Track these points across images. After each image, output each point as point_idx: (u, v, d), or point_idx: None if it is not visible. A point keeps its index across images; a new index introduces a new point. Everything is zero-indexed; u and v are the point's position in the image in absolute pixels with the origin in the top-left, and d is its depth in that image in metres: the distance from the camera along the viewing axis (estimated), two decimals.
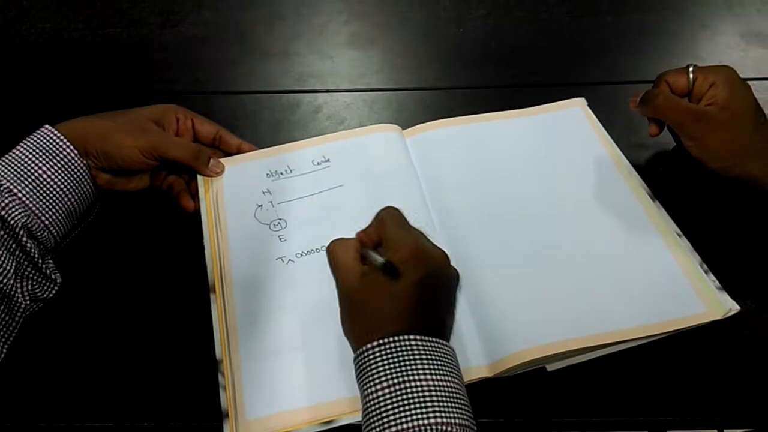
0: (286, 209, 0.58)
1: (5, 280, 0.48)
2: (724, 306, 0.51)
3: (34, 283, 0.52)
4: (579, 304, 0.51)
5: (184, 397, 0.49)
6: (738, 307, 0.51)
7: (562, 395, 0.49)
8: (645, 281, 0.53)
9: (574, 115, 0.66)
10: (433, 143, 0.63)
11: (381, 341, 0.42)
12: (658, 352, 0.50)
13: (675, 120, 0.55)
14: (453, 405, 0.40)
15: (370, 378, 0.41)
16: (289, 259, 0.55)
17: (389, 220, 0.47)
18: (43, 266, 0.52)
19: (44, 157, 0.52)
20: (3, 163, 0.52)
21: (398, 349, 0.41)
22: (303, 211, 0.58)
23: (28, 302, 0.51)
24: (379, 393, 0.40)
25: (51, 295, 0.53)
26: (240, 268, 0.54)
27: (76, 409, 0.49)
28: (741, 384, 0.49)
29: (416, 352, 0.42)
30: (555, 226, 0.56)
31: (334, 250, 0.48)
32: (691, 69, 0.56)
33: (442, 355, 0.43)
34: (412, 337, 0.42)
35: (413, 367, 0.41)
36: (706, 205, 0.59)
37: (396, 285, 0.44)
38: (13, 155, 0.52)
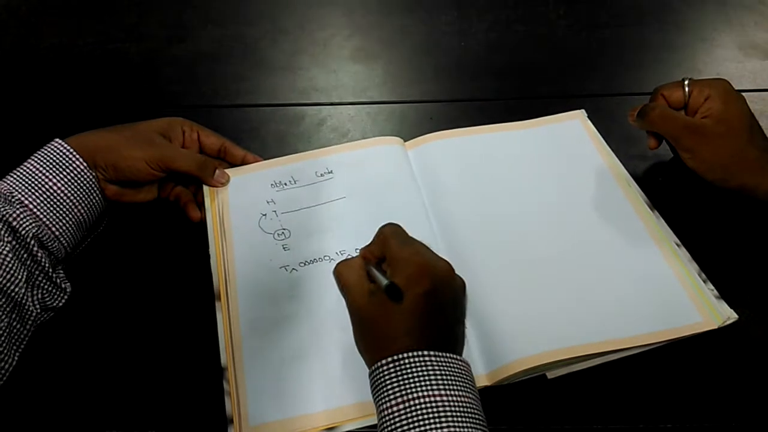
0: (290, 219, 0.59)
1: (17, 289, 0.50)
2: (722, 315, 0.51)
3: (45, 292, 0.53)
4: (577, 312, 0.52)
5: (190, 404, 0.50)
6: (736, 316, 0.51)
7: (563, 403, 0.49)
8: (643, 291, 0.53)
9: (573, 127, 0.67)
10: (434, 155, 0.64)
11: (392, 358, 0.42)
12: (657, 359, 0.51)
13: (671, 133, 0.56)
14: (467, 420, 0.40)
15: (384, 395, 0.41)
16: (293, 268, 0.56)
17: (391, 237, 0.47)
18: (54, 276, 0.53)
19: (54, 169, 0.54)
20: (15, 176, 0.53)
21: (409, 365, 0.41)
22: (307, 221, 0.59)
23: (38, 311, 0.52)
24: (393, 409, 0.40)
25: (61, 304, 0.54)
26: (245, 277, 0.55)
27: (85, 417, 0.50)
28: (739, 392, 0.49)
29: (428, 367, 0.41)
30: (554, 236, 0.57)
31: (340, 272, 0.48)
32: (686, 82, 0.57)
33: (455, 369, 0.42)
34: (423, 353, 0.42)
35: (425, 382, 0.41)
36: (704, 215, 0.59)
37: (401, 304, 0.44)
38: (25, 168, 0.54)
